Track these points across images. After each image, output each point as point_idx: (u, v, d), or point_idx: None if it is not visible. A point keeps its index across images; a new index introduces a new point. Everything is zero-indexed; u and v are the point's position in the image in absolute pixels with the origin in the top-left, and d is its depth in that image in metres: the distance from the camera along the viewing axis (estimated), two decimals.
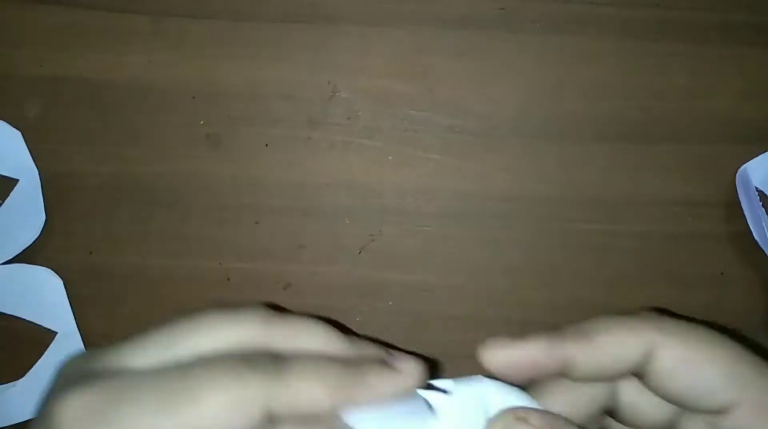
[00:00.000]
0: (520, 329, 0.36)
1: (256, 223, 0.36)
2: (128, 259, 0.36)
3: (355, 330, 0.36)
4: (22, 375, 0.35)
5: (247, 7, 0.35)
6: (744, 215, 0.35)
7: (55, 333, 0.35)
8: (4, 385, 0.35)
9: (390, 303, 0.36)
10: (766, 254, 0.36)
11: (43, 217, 0.35)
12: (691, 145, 0.36)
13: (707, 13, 0.35)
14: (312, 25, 0.35)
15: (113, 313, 0.36)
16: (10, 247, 0.35)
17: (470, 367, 0.36)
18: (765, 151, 0.35)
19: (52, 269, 0.36)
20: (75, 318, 0.36)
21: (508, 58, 0.35)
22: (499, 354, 0.22)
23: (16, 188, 0.35)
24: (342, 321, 0.36)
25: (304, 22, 0.35)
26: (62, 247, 0.36)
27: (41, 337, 0.35)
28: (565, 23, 0.35)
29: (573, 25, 0.35)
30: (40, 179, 0.35)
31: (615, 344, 0.21)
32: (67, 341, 0.35)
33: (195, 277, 0.36)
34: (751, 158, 0.36)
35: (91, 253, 0.36)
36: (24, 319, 0.36)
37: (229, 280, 0.36)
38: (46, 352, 0.35)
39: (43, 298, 0.35)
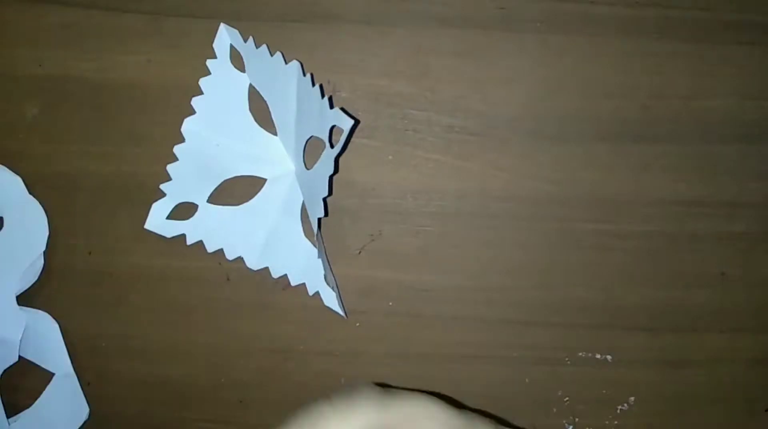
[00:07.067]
0: (519, 329, 0.36)
1: None
2: (128, 259, 0.36)
3: (354, 332, 0.36)
4: (23, 410, 0.36)
5: (247, 7, 0.35)
6: None
7: (53, 374, 0.36)
8: (7, 420, 0.36)
9: (390, 303, 0.36)
10: (764, 254, 0.36)
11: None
12: (691, 145, 0.36)
13: (707, 13, 0.35)
14: (312, 25, 0.35)
15: (113, 313, 0.36)
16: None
17: (469, 368, 0.36)
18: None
19: (52, 270, 0.36)
20: (75, 318, 0.36)
21: (508, 58, 0.35)
22: None
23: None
24: (342, 321, 0.36)
25: (304, 22, 0.35)
26: (62, 247, 0.36)
27: (41, 377, 0.36)
28: (565, 23, 0.35)
29: (573, 25, 0.35)
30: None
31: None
32: (65, 382, 0.36)
33: (195, 277, 0.36)
34: (751, 158, 0.36)
35: (90, 253, 0.36)
36: (24, 359, 0.36)
37: (229, 280, 0.36)
38: (45, 392, 0.36)
39: (41, 340, 0.36)
